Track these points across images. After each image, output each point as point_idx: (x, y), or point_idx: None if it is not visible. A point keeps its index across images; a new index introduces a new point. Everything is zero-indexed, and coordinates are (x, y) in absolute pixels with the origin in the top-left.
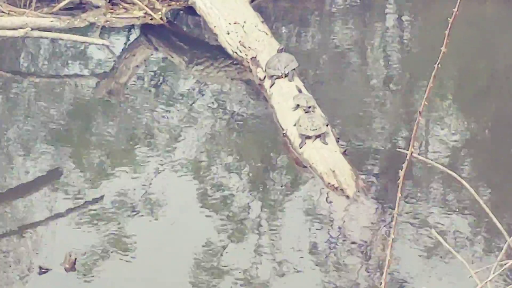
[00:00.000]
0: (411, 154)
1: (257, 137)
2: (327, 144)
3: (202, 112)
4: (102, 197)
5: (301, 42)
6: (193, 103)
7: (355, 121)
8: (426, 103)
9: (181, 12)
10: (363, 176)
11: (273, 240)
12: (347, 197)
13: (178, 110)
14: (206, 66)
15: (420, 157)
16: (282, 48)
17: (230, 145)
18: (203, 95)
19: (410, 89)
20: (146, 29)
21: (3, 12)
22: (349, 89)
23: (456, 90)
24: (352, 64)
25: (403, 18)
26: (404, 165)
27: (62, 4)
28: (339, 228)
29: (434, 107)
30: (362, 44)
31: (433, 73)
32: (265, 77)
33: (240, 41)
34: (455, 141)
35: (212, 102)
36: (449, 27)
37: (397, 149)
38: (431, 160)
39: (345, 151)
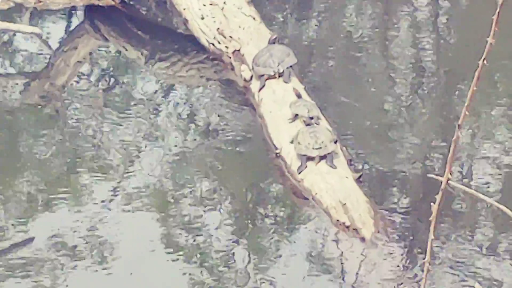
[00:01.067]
0: (447, 182)
1: (242, 158)
2: (335, 167)
3: (168, 125)
4: (32, 239)
5: (302, 30)
6: (155, 112)
7: (373, 137)
8: (467, 112)
9: None
10: (384, 211)
11: None
12: (363, 239)
13: (136, 122)
14: (172, 63)
15: (460, 186)
16: (275, 37)
17: (205, 170)
18: (168, 102)
19: (445, 94)
20: (92, 12)
21: None
22: (365, 94)
23: (508, 95)
24: (369, 61)
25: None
26: (438, 196)
27: None
28: (353, 282)
29: (478, 118)
30: (382, 34)
31: (476, 73)
32: (252, 77)
33: (218, 28)
34: (508, 164)
35: (181, 112)
36: (497, 11)
37: (429, 175)
38: (474, 189)
39: (359, 177)
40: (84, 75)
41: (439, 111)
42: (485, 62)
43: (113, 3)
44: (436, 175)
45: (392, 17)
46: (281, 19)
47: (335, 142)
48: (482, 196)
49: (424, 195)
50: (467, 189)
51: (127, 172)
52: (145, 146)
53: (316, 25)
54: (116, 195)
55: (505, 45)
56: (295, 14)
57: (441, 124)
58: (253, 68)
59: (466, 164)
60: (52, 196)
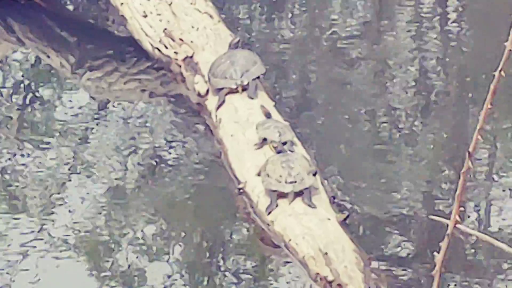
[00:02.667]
0: (454, 225)
1: (195, 196)
2: (314, 207)
3: (101, 154)
4: None
5: (272, 31)
6: (85, 138)
7: (362, 167)
8: (479, 137)
9: None
10: (376, 262)
11: None
12: None
13: (60, 151)
14: (106, 73)
15: (471, 230)
16: (238, 41)
17: (149, 211)
18: (101, 123)
19: (454, 113)
20: (3, 7)
21: None
22: (353, 113)
23: None
24: (358, 71)
25: None
26: (443, 244)
27: None
28: None
29: (496, 144)
30: (374, 37)
31: (491, 86)
32: (208, 91)
33: (165, 29)
34: None
35: (118, 136)
36: None
37: (432, 217)
38: (491, 235)
39: (345, 218)
40: None
41: (446, 136)
42: (502, 73)
43: None
44: (442, 217)
45: (387, 16)
46: (246, 17)
47: (314, 174)
48: (499, 244)
49: (427, 242)
50: (480, 234)
51: (50, 214)
52: (72, 181)
53: (291, 25)
54: (37, 241)
55: None
56: (264, 10)
57: (449, 152)
58: (209, 80)
59: (481, 203)
60: None
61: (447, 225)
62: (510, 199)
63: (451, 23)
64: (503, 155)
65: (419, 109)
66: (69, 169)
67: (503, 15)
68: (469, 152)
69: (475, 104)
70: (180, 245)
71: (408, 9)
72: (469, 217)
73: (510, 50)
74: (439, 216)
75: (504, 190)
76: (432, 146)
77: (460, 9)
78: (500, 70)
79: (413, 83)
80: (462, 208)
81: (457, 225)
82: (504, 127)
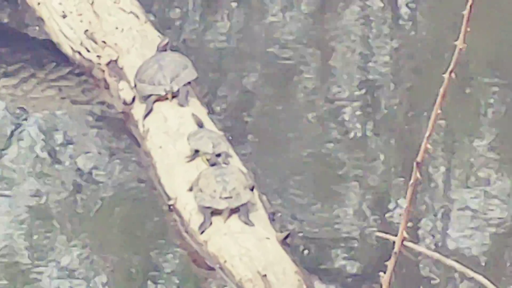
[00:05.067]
0: (402, 243)
1: (121, 214)
2: (252, 224)
3: (16, 170)
4: None
5: (206, 31)
6: (2, 149)
7: (306, 181)
8: (429, 146)
9: None
10: (321, 285)
11: None
12: None
13: None
14: (22, 79)
15: (420, 248)
16: (167, 43)
17: (71, 231)
18: (17, 135)
19: (405, 119)
20: None
21: None
22: (297, 120)
23: (495, 121)
24: (305, 73)
25: None
26: (390, 263)
27: None
28: None
29: (449, 154)
30: (321, 37)
31: (441, 90)
32: (134, 98)
33: (87, 30)
34: (492, 218)
35: (35, 150)
36: (469, 3)
37: (378, 234)
38: (443, 253)
39: (286, 237)
40: None
41: (397, 144)
42: (452, 75)
43: None
44: (387, 233)
45: (333, 14)
46: (176, 17)
47: (252, 189)
48: (451, 262)
49: (374, 261)
50: (429, 252)
51: None
52: None
53: (226, 24)
54: None
55: (484, 49)
56: (196, 8)
57: (400, 162)
58: (135, 86)
59: (434, 219)
60: None
61: (393, 243)
62: (467, 212)
63: (402, 20)
64: (460, 166)
65: (368, 117)
66: None
67: (458, 10)
68: (417, 162)
69: (428, 110)
70: (105, 268)
71: (355, 7)
72: (423, 237)
73: (461, 49)
74: (386, 233)
75: (461, 203)
76: (382, 156)
77: (412, 6)
78: (451, 72)
79: (362, 90)
80: (410, 224)
81: (405, 242)
82: (459, 134)
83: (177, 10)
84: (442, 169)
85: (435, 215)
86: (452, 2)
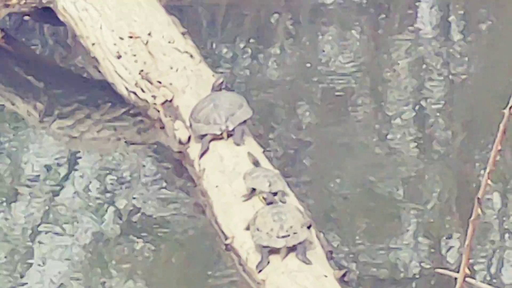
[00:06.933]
0: (464, 279)
1: (178, 254)
2: (309, 263)
3: (73, 212)
4: None
5: (260, 70)
6: (54, 194)
7: (362, 218)
8: (489, 182)
9: (29, 18)
10: None
11: None
12: None
13: (26, 210)
14: (78, 120)
15: (482, 284)
16: (222, 82)
17: (130, 273)
18: (73, 177)
19: (462, 154)
20: None
21: None
22: (351, 159)
23: None
24: (357, 111)
25: (451, 19)
26: None
27: None
28: None
29: (509, 188)
30: (373, 74)
31: (501, 126)
32: (190, 138)
33: (142, 70)
34: None
35: (91, 191)
36: None
37: (439, 271)
38: None
39: (343, 275)
40: None
41: (454, 180)
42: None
43: None
44: (451, 270)
45: (387, 51)
46: (230, 55)
47: (309, 227)
48: None
49: None
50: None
51: (21, 277)
52: (42, 240)
53: (280, 63)
54: None
55: None
56: (250, 47)
57: (458, 199)
58: (191, 126)
59: (495, 255)
60: None
61: (456, 279)
62: None
63: (454, 57)
64: None
65: (422, 153)
66: (34, 232)
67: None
68: (478, 198)
69: (483, 147)
70: None
71: (408, 42)
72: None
73: None
74: (446, 269)
75: None
76: (437, 193)
77: (464, 42)
78: (511, 108)
79: (415, 126)
80: (471, 260)
81: (467, 279)
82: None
83: (229, 49)
84: (498, 203)
85: (492, 250)
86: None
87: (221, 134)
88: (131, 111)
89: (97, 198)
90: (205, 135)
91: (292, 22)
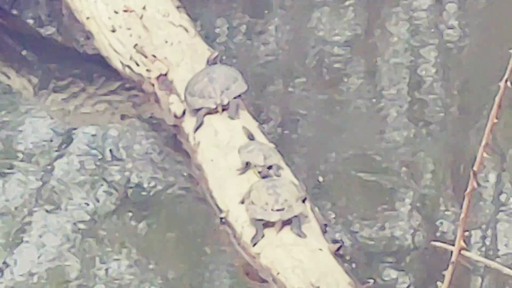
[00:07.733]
0: (459, 252)
1: (173, 227)
2: (304, 236)
3: (68, 185)
4: None
5: (255, 44)
6: (49, 167)
7: (357, 192)
8: (485, 154)
9: None
10: None
11: None
12: None
13: (22, 182)
14: (72, 94)
15: (477, 257)
16: (217, 56)
17: (121, 244)
18: (68, 150)
19: (457, 128)
20: None
21: None
22: (347, 132)
23: None
24: (352, 86)
25: None
26: (447, 273)
27: None
28: None
29: (505, 161)
30: (369, 48)
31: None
32: (185, 112)
33: (136, 44)
34: None
35: (86, 164)
36: None
37: (435, 243)
38: (502, 262)
39: (338, 248)
40: None
41: (449, 154)
42: (508, 83)
43: None
44: (446, 243)
45: (382, 24)
46: (225, 30)
47: (304, 201)
48: (508, 271)
49: (429, 271)
50: (487, 261)
51: (11, 254)
52: (36, 215)
53: (276, 37)
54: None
55: None
56: (245, 21)
57: (452, 172)
58: (186, 100)
59: (490, 227)
60: None
61: (451, 252)
62: None
63: (449, 28)
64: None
65: (417, 126)
66: (31, 203)
67: (508, 19)
68: (473, 171)
69: (478, 119)
70: (157, 281)
71: (401, 15)
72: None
73: None
74: (442, 242)
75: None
76: (433, 165)
77: (460, 12)
78: (506, 80)
79: (409, 98)
80: (467, 233)
81: (462, 252)
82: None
83: (224, 23)
84: (492, 176)
85: (486, 223)
86: (502, 9)
87: (216, 108)
88: (126, 85)
89: (91, 170)
90: (200, 109)
91: None
